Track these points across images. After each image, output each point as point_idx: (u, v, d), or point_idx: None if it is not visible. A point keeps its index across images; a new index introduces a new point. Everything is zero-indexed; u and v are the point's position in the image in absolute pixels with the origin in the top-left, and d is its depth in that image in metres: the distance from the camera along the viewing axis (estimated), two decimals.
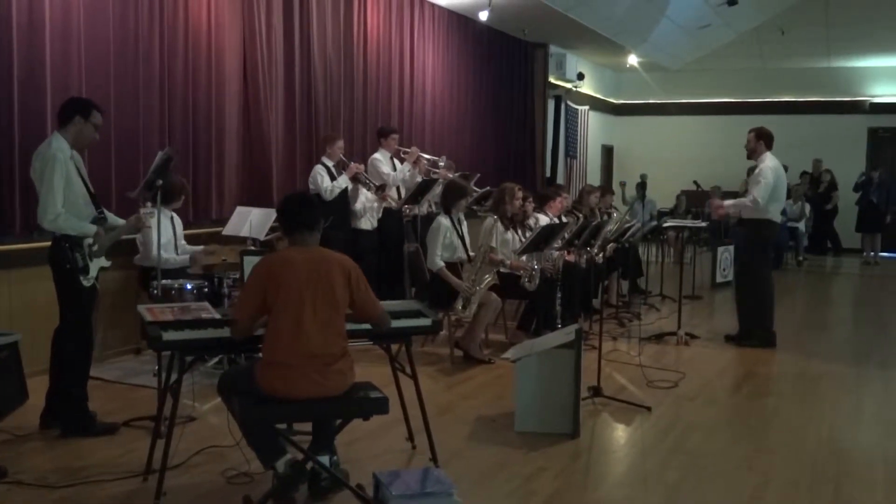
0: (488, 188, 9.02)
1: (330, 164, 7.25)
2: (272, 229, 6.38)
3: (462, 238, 6.53)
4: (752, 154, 7.04)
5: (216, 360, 5.58)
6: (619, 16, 11.41)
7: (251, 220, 6.32)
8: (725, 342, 7.25)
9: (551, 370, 4.57)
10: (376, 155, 7.94)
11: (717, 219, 7.03)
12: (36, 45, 5.55)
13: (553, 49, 13.61)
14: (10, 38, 5.38)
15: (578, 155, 15.20)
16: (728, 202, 7.11)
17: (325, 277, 3.36)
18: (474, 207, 8.43)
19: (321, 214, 3.56)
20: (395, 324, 3.85)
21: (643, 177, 9.14)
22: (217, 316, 3.74)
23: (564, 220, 8.09)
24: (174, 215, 6.03)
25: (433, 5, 10.45)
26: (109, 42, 6.11)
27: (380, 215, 7.71)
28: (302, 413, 3.40)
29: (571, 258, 7.37)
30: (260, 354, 3.47)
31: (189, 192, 6.39)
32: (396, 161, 8.05)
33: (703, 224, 8.24)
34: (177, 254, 5.86)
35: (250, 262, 3.84)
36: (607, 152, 17.47)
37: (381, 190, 7.41)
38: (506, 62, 12.57)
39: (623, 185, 12.69)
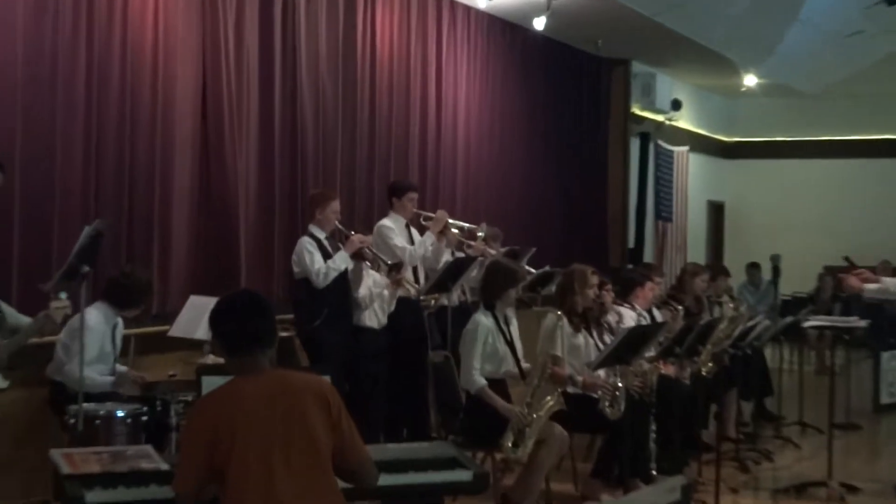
0: (547, 268, 9.00)
1: (321, 235, 7.26)
2: None
3: (511, 343, 6.50)
4: None
5: None
6: (731, 21, 11.54)
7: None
8: None
9: None
10: (386, 221, 7.94)
11: (846, 293, 6.96)
12: None
13: (637, 67, 13.75)
14: None
15: (675, 216, 15.17)
16: (872, 285, 7.01)
17: (296, 413, 3.37)
18: (527, 297, 8.42)
19: (275, 326, 3.58)
20: (422, 479, 3.84)
21: (775, 259, 8.96)
22: (164, 466, 3.74)
23: (657, 315, 8.02)
24: (119, 322, 6.12)
25: (468, 8, 10.66)
26: (16, 67, 6.27)
27: (391, 308, 7.70)
28: None
29: (670, 372, 7.28)
30: None
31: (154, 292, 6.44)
32: (414, 231, 8.08)
33: (864, 324, 8.11)
34: (110, 372, 5.92)
35: (212, 384, 3.84)
36: (716, 212, 17.44)
37: (395, 271, 7.40)
38: (570, 86, 12.73)
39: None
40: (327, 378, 3.67)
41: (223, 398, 3.41)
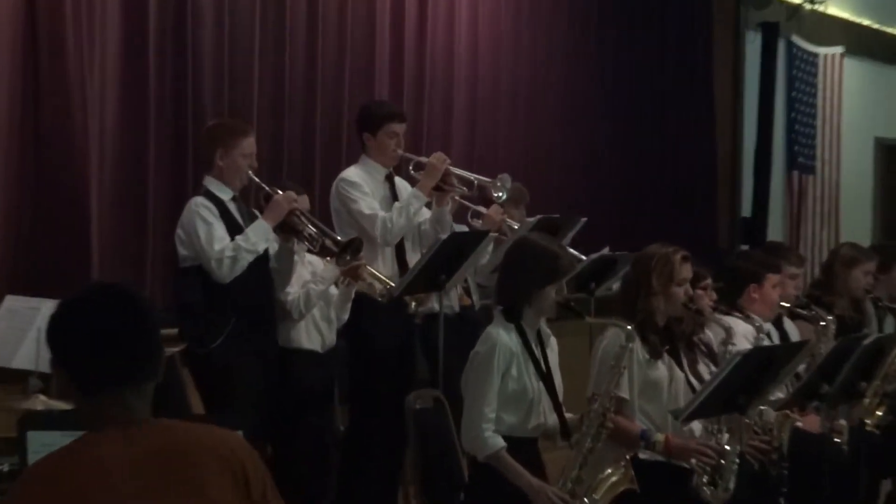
0: (606, 251, 9.05)
1: (225, 194, 7.33)
2: None
3: (547, 377, 6.56)
4: None
5: None
6: None
7: (39, 330, 6.38)
8: None
9: None
10: (350, 172, 8.10)
11: None
12: None
13: None
14: None
15: (821, 165, 15.24)
16: None
17: (190, 490, 3.42)
18: (574, 301, 8.43)
19: (160, 343, 3.61)
20: None
21: None
22: None
23: (791, 330, 8.09)
24: None
25: None
26: None
27: (344, 318, 7.77)
28: None
29: (813, 425, 7.34)
30: None
31: None
32: (401, 183, 8.16)
33: None
34: None
35: (45, 444, 3.88)
36: (889, 157, 17.54)
37: (350, 252, 7.42)
38: None
39: None
40: (239, 434, 3.70)
41: (70, 466, 3.41)
